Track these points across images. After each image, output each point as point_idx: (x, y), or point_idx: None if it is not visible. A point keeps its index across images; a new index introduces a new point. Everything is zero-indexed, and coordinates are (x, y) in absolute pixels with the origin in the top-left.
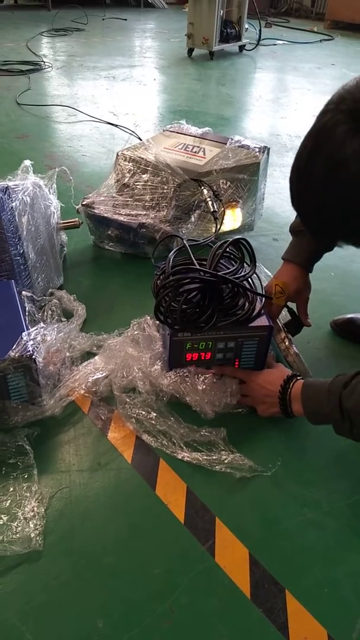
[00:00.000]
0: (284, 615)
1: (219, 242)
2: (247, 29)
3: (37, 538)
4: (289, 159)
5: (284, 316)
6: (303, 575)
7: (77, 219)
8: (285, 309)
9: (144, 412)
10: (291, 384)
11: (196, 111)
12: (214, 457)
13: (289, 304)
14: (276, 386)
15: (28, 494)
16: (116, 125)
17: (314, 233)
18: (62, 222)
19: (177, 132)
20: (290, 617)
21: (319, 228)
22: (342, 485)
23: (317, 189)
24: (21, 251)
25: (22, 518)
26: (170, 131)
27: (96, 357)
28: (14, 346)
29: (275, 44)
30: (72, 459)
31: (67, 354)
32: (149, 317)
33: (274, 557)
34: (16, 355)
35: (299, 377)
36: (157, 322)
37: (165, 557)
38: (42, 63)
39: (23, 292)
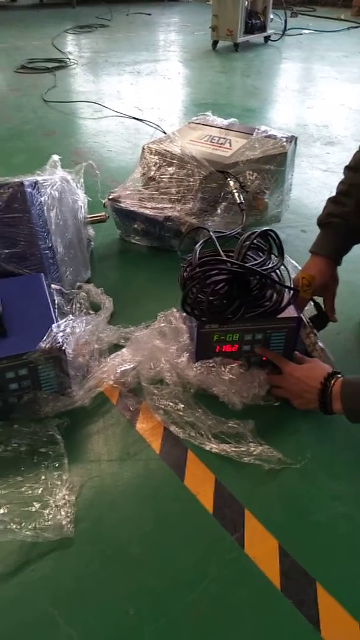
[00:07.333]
0: (314, 607)
1: (246, 234)
2: (272, 19)
3: (69, 525)
4: (317, 149)
5: (310, 310)
6: (334, 567)
7: (104, 213)
8: (311, 303)
9: (171, 404)
10: (332, 381)
11: (221, 103)
12: (242, 449)
13: (317, 298)
14: (316, 382)
15: (59, 482)
16: (141, 120)
17: None
18: (89, 216)
19: (203, 124)
20: (322, 609)
21: None
22: None
23: None
24: (50, 245)
25: (53, 506)
26: (196, 123)
27: (124, 349)
28: (45, 338)
29: (302, 34)
30: (101, 449)
31: (96, 346)
32: (175, 310)
33: (304, 548)
34: (46, 347)
35: (339, 375)
36: (184, 314)
37: (194, 547)
38: (68, 60)
39: (52, 285)
